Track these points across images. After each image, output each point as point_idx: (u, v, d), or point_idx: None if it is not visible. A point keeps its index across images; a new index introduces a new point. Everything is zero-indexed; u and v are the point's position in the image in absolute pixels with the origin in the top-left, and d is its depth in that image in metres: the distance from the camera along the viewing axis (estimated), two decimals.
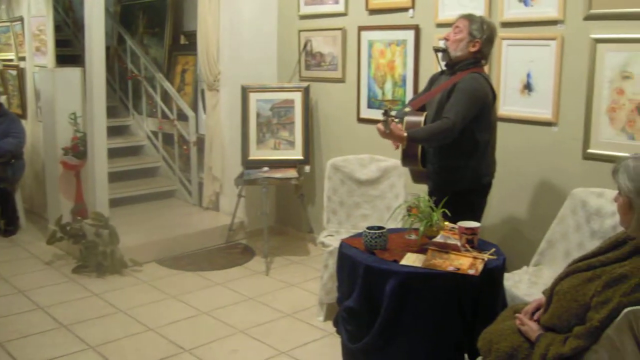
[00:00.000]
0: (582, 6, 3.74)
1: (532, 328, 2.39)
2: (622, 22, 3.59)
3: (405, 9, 4.71)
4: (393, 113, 3.46)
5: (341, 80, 5.29)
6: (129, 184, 6.39)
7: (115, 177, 5.89)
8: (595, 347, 2.13)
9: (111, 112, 6.47)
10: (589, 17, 3.72)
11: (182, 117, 6.28)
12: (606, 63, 3.68)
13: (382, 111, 3.43)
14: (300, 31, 5.56)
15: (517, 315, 2.52)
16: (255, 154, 5.43)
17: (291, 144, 5.42)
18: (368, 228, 3.10)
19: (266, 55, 5.79)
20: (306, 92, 5.41)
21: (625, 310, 2.03)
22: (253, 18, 5.66)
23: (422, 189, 3.75)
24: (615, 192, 2.32)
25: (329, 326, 3.73)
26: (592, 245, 3.07)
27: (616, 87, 3.66)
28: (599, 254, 2.35)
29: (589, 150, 3.79)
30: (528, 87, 4.05)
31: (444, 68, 3.68)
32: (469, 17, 3.56)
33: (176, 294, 4.50)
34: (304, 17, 5.53)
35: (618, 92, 3.65)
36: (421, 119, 3.61)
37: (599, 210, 3.38)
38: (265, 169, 5.25)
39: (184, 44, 6.88)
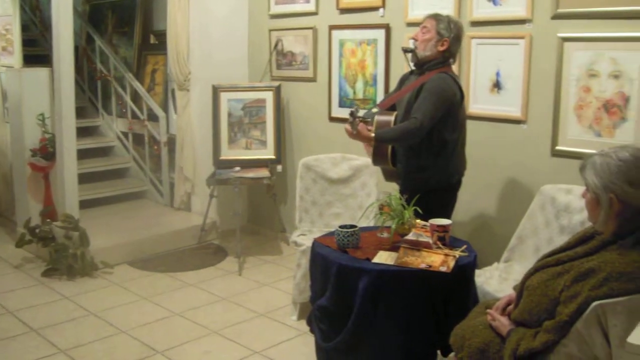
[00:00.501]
0: (549, 5, 3.79)
1: (503, 323, 2.41)
2: (588, 21, 3.65)
3: (375, 8, 4.73)
4: (361, 114, 3.49)
5: (312, 80, 5.29)
6: (99, 185, 6.32)
7: (85, 179, 5.81)
8: (565, 341, 2.15)
9: (80, 112, 6.41)
10: (556, 17, 3.77)
11: (153, 117, 6.23)
12: (573, 61, 3.73)
13: (349, 112, 3.47)
14: (271, 30, 5.55)
15: (488, 311, 2.54)
16: (227, 154, 5.41)
17: (263, 143, 5.41)
18: (340, 227, 3.11)
19: (237, 55, 5.77)
20: (277, 91, 5.41)
21: (594, 304, 2.06)
22: (223, 17, 5.64)
23: (394, 187, 3.78)
24: (583, 188, 2.35)
25: (303, 325, 3.73)
26: (561, 240, 3.11)
27: (583, 85, 3.71)
28: (568, 249, 2.38)
29: (557, 148, 3.84)
30: (497, 85, 4.09)
31: (413, 68, 3.70)
32: (436, 17, 3.58)
33: (148, 296, 4.46)
34: (275, 16, 5.52)
35: (585, 90, 3.71)
36: (391, 118, 3.63)
37: (567, 206, 3.43)
38: (237, 168, 5.23)
39: (153, 43, 6.82)
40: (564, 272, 2.25)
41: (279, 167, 5.41)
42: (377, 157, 3.68)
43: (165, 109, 6.23)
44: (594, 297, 2.08)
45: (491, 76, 4.11)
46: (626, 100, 3.55)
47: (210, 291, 4.56)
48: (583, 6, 3.65)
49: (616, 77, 3.58)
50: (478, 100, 4.17)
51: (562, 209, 3.45)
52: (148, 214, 6.02)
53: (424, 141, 3.46)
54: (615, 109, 3.60)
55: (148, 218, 5.86)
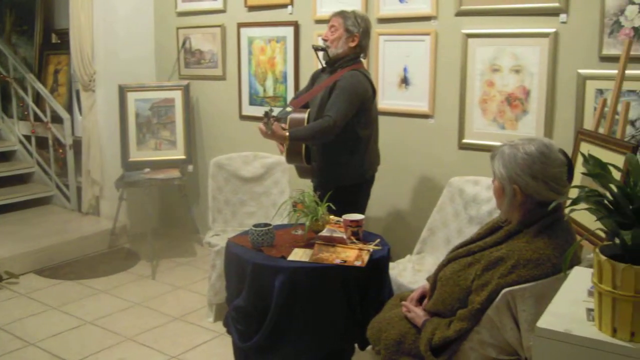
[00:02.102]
0: (453, 3, 3.89)
1: (418, 314, 2.46)
2: (490, 18, 3.78)
3: (284, 6, 4.72)
4: (274, 114, 3.48)
5: (222, 78, 5.24)
6: (1, 192, 6.03)
7: None
8: (478, 328, 2.22)
9: None
10: (460, 13, 3.88)
11: (57, 119, 5.99)
12: (477, 57, 3.85)
13: (263, 112, 3.46)
14: (178, 28, 5.45)
15: (403, 303, 2.58)
16: (136, 155, 5.27)
17: (173, 143, 5.31)
18: (254, 225, 3.09)
19: (143, 54, 5.64)
20: (186, 90, 5.32)
21: (504, 291, 2.13)
22: (128, 15, 5.49)
23: (307, 184, 3.78)
24: (491, 178, 2.42)
25: (219, 327, 3.68)
26: (470, 231, 3.20)
27: (487, 80, 3.83)
28: (478, 240, 2.44)
29: (464, 141, 3.96)
30: (405, 81, 4.17)
31: (325, 66, 3.72)
32: (342, 14, 3.61)
33: (57, 305, 4.29)
34: (182, 14, 5.43)
35: (489, 85, 3.83)
36: (304, 116, 3.65)
37: (475, 197, 3.53)
38: (147, 170, 5.11)
39: (55, 42, 6.57)
40: (475, 262, 2.31)
41: (190, 167, 5.32)
42: (291, 155, 3.68)
43: (69, 110, 6.01)
44: (504, 284, 2.15)
45: (399, 72, 4.19)
46: (527, 93, 3.69)
47: (123, 297, 4.44)
48: (485, 3, 3.77)
49: (517, 71, 3.72)
50: (387, 96, 4.24)
51: (470, 200, 3.55)
52: (55, 220, 5.79)
53: (338, 138, 3.48)
54: (517, 102, 3.74)
55: (55, 224, 5.64)
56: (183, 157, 5.30)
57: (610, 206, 1.54)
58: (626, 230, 1.47)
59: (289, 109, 3.69)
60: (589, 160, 1.62)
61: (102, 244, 5.39)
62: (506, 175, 2.27)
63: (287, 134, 3.48)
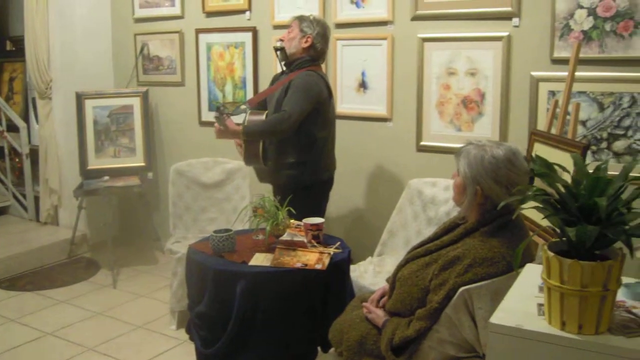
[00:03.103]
0: (409, 8, 3.95)
1: (379, 315, 2.49)
2: (445, 22, 3.84)
3: (242, 12, 4.73)
4: (228, 111, 3.50)
5: (181, 84, 5.22)
6: None
7: None
8: (436, 327, 2.25)
9: None
10: (416, 18, 3.94)
11: (13, 128, 5.89)
12: (433, 60, 3.91)
13: (215, 108, 3.48)
14: (136, 35, 5.42)
15: (363, 304, 2.61)
16: (95, 163, 5.22)
17: (132, 150, 5.27)
18: (215, 232, 3.09)
19: (101, 60, 5.58)
20: (145, 97, 5.28)
21: (460, 289, 2.17)
22: (85, 22, 5.43)
23: (268, 189, 3.80)
24: (448, 180, 2.46)
25: (182, 334, 3.67)
26: (429, 232, 3.24)
27: (443, 83, 3.90)
28: (435, 239, 2.48)
29: (422, 143, 4.02)
30: (363, 85, 4.21)
31: (284, 67, 3.75)
32: (300, 17, 3.71)
33: (16, 317, 4.21)
34: (140, 20, 5.39)
35: (445, 88, 3.90)
36: (262, 117, 3.66)
37: (433, 198, 3.59)
38: (106, 178, 5.06)
39: (10, 50, 6.48)
40: (432, 262, 2.35)
41: (150, 174, 5.29)
42: (249, 156, 3.69)
43: (26, 118, 5.92)
44: (460, 283, 2.19)
45: (357, 76, 4.23)
46: (482, 96, 3.76)
47: (84, 307, 4.38)
48: (440, 8, 3.84)
49: (472, 74, 3.79)
50: (345, 100, 4.28)
51: (428, 201, 3.61)
52: (12, 230, 5.69)
53: (293, 138, 3.51)
54: (473, 104, 3.81)
55: (12, 235, 5.54)
56: (143, 164, 5.26)
57: (557, 204, 1.59)
58: (571, 227, 1.53)
59: (243, 106, 3.70)
60: (536, 160, 1.67)
61: (61, 254, 5.31)
62: (470, 175, 2.31)
63: (241, 128, 3.50)
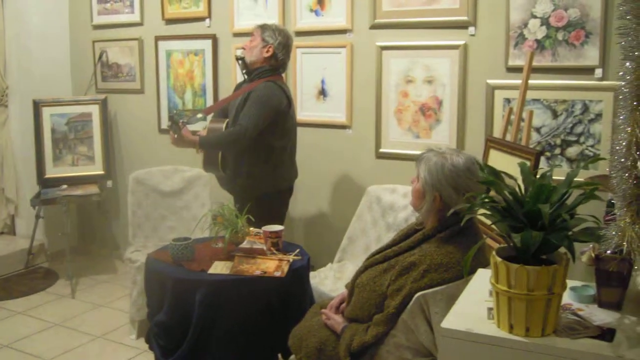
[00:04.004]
0: (367, 16, 3.99)
1: (337, 321, 2.51)
2: (403, 31, 3.89)
3: (201, 19, 4.73)
4: (184, 119, 3.50)
5: (140, 91, 5.18)
6: None
7: None
8: (394, 332, 2.28)
9: None
10: (374, 27, 3.98)
11: None
12: (392, 68, 3.96)
13: (169, 117, 3.47)
14: (94, 42, 5.36)
15: (322, 310, 2.63)
16: (52, 172, 5.14)
17: (91, 159, 5.21)
18: (174, 240, 3.08)
19: (59, 68, 5.51)
20: (104, 104, 5.23)
21: (417, 294, 2.20)
22: (42, 28, 5.36)
23: (227, 197, 3.80)
24: (406, 187, 2.49)
25: (142, 343, 3.63)
26: (388, 237, 3.28)
27: (401, 91, 3.95)
28: (393, 245, 2.52)
29: (381, 150, 4.06)
30: (323, 92, 4.24)
31: (246, 76, 3.76)
32: (262, 26, 3.70)
33: None
34: (98, 27, 5.34)
35: (403, 95, 3.95)
36: (222, 125, 3.66)
37: (392, 205, 3.63)
38: (64, 186, 5.00)
39: None
40: (390, 268, 2.38)
41: (109, 183, 5.23)
42: (208, 164, 3.70)
43: None
44: (417, 288, 2.22)
45: (316, 84, 4.26)
46: (440, 103, 3.82)
47: (42, 318, 4.32)
48: (398, 17, 3.89)
49: (430, 82, 3.84)
50: (305, 108, 4.30)
51: (387, 207, 3.64)
52: None
53: (251, 148, 3.52)
54: (430, 112, 3.86)
55: None
56: (101, 172, 5.20)
57: (504, 211, 1.63)
58: (518, 233, 1.57)
59: (199, 115, 3.69)
60: (484, 168, 1.71)
61: (18, 264, 5.22)
62: (430, 182, 2.35)
63: (197, 139, 3.50)
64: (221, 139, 3.54)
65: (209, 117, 3.88)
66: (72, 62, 5.58)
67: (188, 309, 2.86)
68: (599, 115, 3.36)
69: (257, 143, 3.51)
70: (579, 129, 3.41)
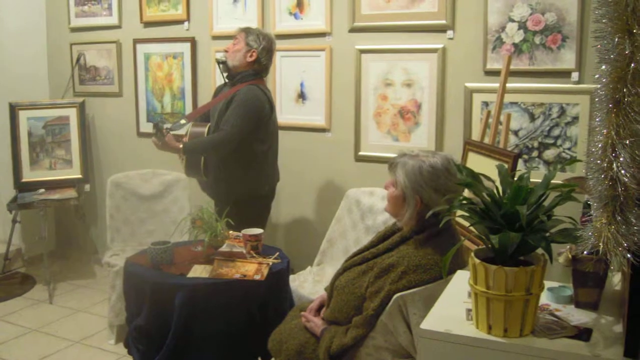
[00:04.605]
0: (347, 20, 4.01)
1: (317, 324, 2.51)
2: (382, 34, 3.91)
3: (180, 22, 4.71)
4: (168, 125, 3.48)
5: (118, 95, 5.15)
6: None
7: None
8: (373, 334, 2.28)
9: None
10: (353, 30, 4.00)
11: None
12: (371, 72, 3.97)
13: (153, 125, 3.46)
14: (72, 44, 5.32)
15: (302, 313, 2.63)
16: (29, 176, 5.09)
17: (68, 162, 5.16)
18: (153, 244, 3.06)
19: (36, 70, 5.46)
20: (82, 107, 5.19)
21: (395, 296, 2.20)
22: (19, 30, 5.31)
23: (206, 200, 3.78)
24: (384, 190, 2.49)
25: (121, 348, 3.61)
26: (367, 240, 3.25)
27: (380, 94, 3.96)
28: (371, 247, 2.52)
29: (360, 153, 4.07)
30: (302, 96, 4.25)
31: (227, 80, 3.75)
32: (246, 30, 3.69)
33: None
34: (76, 29, 5.30)
35: (382, 98, 3.96)
36: (204, 129, 3.66)
37: (371, 207, 3.64)
38: (42, 190, 4.95)
39: None
40: (368, 270, 2.39)
41: (87, 187, 5.19)
42: (190, 168, 3.68)
43: None
44: (395, 290, 2.23)
45: (296, 87, 4.26)
46: (418, 106, 3.84)
47: (19, 323, 4.27)
48: (376, 20, 3.91)
49: (409, 85, 3.86)
50: (284, 111, 4.30)
51: (366, 210, 3.66)
52: None
53: (234, 152, 3.51)
54: (409, 115, 3.88)
55: None
56: (79, 176, 5.16)
57: (482, 213, 1.65)
58: (496, 234, 1.58)
59: (182, 121, 3.69)
60: (462, 170, 1.72)
61: None
62: (410, 185, 2.34)
63: (181, 146, 3.49)
64: (205, 145, 3.54)
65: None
66: (49, 65, 5.53)
67: (167, 313, 2.84)
68: (575, 118, 3.39)
69: (240, 147, 3.50)
70: (556, 131, 3.45)
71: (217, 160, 3.60)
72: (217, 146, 3.47)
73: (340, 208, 3.78)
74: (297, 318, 2.66)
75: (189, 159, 3.61)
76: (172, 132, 3.55)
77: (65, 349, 3.91)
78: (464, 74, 3.68)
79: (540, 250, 1.62)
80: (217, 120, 3.60)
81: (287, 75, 4.28)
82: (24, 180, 5.08)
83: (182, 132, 3.75)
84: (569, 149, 3.43)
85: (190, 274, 2.92)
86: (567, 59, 3.38)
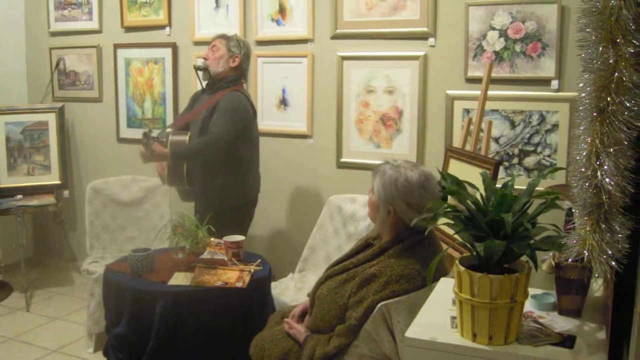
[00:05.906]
0: (328, 26, 4.01)
1: (300, 331, 2.50)
2: (364, 41, 3.92)
3: (161, 27, 4.68)
4: (154, 134, 3.46)
5: (98, 100, 5.11)
6: None
7: None
8: (356, 342, 2.28)
9: None
10: (335, 37, 4.00)
11: None
12: (352, 78, 3.98)
13: (142, 133, 3.44)
14: (51, 49, 5.27)
15: (285, 320, 2.62)
16: (7, 182, 5.02)
17: (47, 168, 5.11)
18: (133, 251, 3.04)
19: (14, 75, 5.40)
20: (61, 112, 5.13)
21: (379, 305, 2.20)
22: None
23: (187, 207, 3.76)
24: (366, 196, 2.50)
25: (100, 357, 3.57)
26: (349, 247, 3.27)
27: (362, 101, 3.97)
28: (352, 256, 2.52)
29: (342, 159, 4.07)
30: (284, 102, 4.24)
31: (205, 87, 3.73)
32: (225, 36, 3.69)
33: None
34: (55, 34, 5.25)
35: (364, 105, 3.97)
36: (185, 138, 3.63)
37: (353, 214, 3.64)
38: (19, 196, 4.88)
39: None
40: (350, 279, 2.38)
41: (66, 193, 5.14)
42: (173, 177, 3.65)
43: None
44: (378, 300, 2.23)
45: (277, 93, 4.25)
46: (400, 113, 3.85)
47: None
48: (358, 27, 3.92)
49: (391, 92, 3.87)
50: (266, 117, 4.28)
51: (348, 217, 3.65)
52: None
53: (220, 159, 3.50)
54: (391, 122, 3.89)
55: None
56: (58, 182, 5.10)
57: (467, 220, 1.65)
58: (481, 242, 1.58)
59: (168, 129, 3.67)
60: (447, 178, 1.72)
61: None
62: (384, 196, 2.35)
63: (168, 151, 3.47)
64: (194, 149, 3.51)
65: None
66: (28, 70, 5.47)
67: (148, 321, 2.82)
68: (555, 126, 3.42)
69: (226, 154, 3.49)
70: (536, 139, 3.48)
71: (203, 168, 3.57)
72: (204, 150, 3.45)
73: (322, 215, 3.78)
74: (280, 324, 2.65)
75: (172, 166, 3.58)
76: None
77: (42, 357, 3.86)
78: (446, 82, 3.70)
79: (524, 258, 1.63)
80: (201, 127, 3.58)
81: (269, 81, 4.27)
82: (1, 186, 5.00)
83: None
84: (549, 156, 3.45)
85: (172, 282, 2.90)
86: (547, 67, 3.41)
